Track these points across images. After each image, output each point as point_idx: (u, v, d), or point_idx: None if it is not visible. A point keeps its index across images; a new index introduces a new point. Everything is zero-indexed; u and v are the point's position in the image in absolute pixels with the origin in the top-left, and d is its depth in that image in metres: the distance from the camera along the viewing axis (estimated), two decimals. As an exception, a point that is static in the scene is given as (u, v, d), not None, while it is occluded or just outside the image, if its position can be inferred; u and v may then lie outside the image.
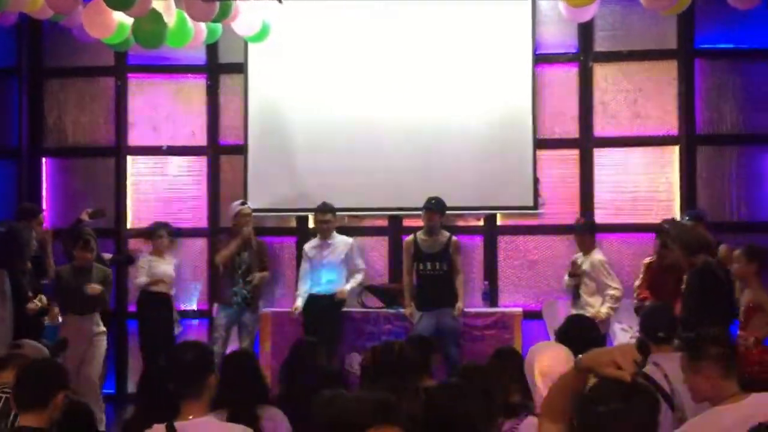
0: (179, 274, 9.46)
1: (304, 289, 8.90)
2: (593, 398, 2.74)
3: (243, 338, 8.84)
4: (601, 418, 2.68)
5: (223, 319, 8.83)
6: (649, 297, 8.12)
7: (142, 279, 9.05)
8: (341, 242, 8.97)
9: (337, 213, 9.00)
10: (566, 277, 8.74)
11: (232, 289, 8.82)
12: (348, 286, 8.88)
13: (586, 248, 8.65)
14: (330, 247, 8.90)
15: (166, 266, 9.15)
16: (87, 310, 8.21)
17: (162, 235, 9.18)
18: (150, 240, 9.27)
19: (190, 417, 3.68)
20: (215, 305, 9.04)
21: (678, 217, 8.76)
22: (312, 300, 8.82)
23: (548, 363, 3.83)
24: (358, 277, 8.99)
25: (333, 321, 8.73)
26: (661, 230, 8.22)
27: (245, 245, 8.89)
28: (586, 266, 8.57)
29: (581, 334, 4.91)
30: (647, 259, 8.48)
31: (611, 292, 8.46)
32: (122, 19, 7.54)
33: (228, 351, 8.65)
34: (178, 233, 9.56)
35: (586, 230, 8.75)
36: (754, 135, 9.30)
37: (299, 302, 8.87)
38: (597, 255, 8.69)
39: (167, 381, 3.84)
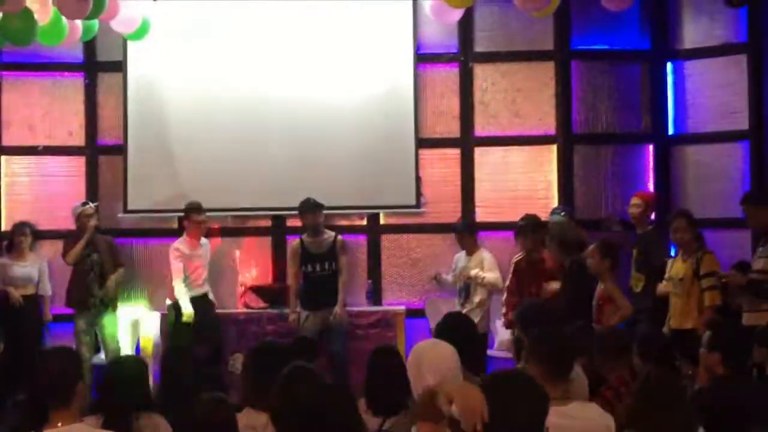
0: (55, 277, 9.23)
1: (184, 292, 8.72)
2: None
3: (107, 342, 8.67)
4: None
5: (84, 324, 8.65)
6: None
7: None
8: (207, 243, 8.99)
9: (220, 213, 8.94)
10: (447, 276, 8.83)
11: (88, 293, 8.65)
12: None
13: (470, 248, 8.75)
14: (202, 248, 8.89)
15: (25, 269, 8.83)
16: None
17: (25, 233, 8.86)
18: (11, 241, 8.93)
19: (59, 425, 3.62)
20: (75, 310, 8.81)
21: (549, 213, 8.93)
22: (192, 303, 8.68)
23: (435, 362, 3.85)
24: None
25: (213, 323, 8.69)
26: (522, 228, 8.40)
27: (93, 246, 8.73)
28: (472, 266, 8.65)
29: (459, 331, 4.99)
30: (516, 257, 8.61)
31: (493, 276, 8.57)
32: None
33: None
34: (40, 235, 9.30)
35: (465, 230, 8.85)
36: (628, 134, 9.59)
37: (190, 308, 8.63)
38: (485, 254, 8.81)
39: (34, 388, 3.78)
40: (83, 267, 8.68)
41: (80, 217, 8.77)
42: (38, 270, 8.93)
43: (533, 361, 4.00)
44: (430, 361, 3.86)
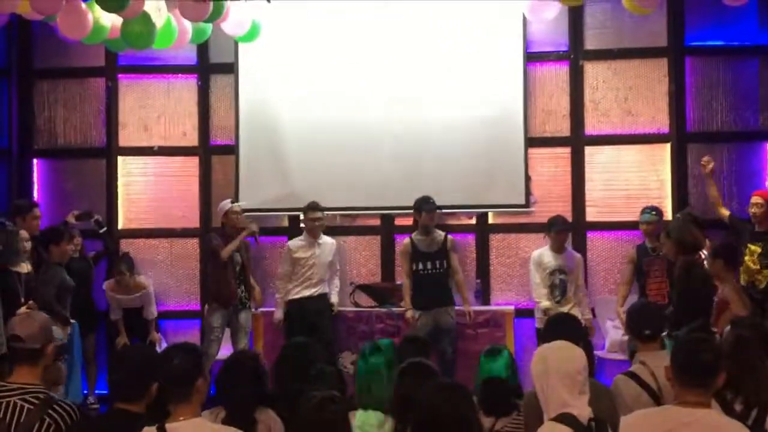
0: (171, 274, 9.46)
1: (285, 294, 8.80)
2: None
3: (240, 339, 8.75)
4: None
5: (219, 319, 8.75)
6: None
7: None
8: (329, 242, 8.95)
9: (329, 212, 8.99)
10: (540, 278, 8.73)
11: (232, 291, 8.74)
12: (335, 298, 8.87)
13: (564, 247, 8.69)
14: (319, 247, 8.85)
15: (131, 299, 9.14)
16: None
17: (122, 271, 9.07)
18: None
19: (181, 418, 3.69)
20: (207, 306, 8.95)
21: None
22: (299, 303, 8.74)
23: (562, 364, 3.80)
24: (337, 282, 8.99)
25: (327, 322, 8.71)
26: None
27: (237, 246, 8.85)
28: (570, 265, 8.60)
29: (566, 333, 4.91)
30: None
31: (586, 298, 8.64)
32: (101, 20, 7.49)
33: (222, 352, 8.69)
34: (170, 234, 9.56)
35: (566, 229, 8.78)
36: (744, 132, 9.34)
37: (280, 313, 8.78)
38: (577, 254, 8.76)
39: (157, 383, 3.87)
40: (229, 265, 8.76)
41: (228, 214, 8.87)
42: (141, 297, 9.11)
43: (672, 366, 3.88)
44: (557, 363, 3.79)
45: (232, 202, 9.02)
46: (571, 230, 8.90)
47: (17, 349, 4.18)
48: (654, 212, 8.64)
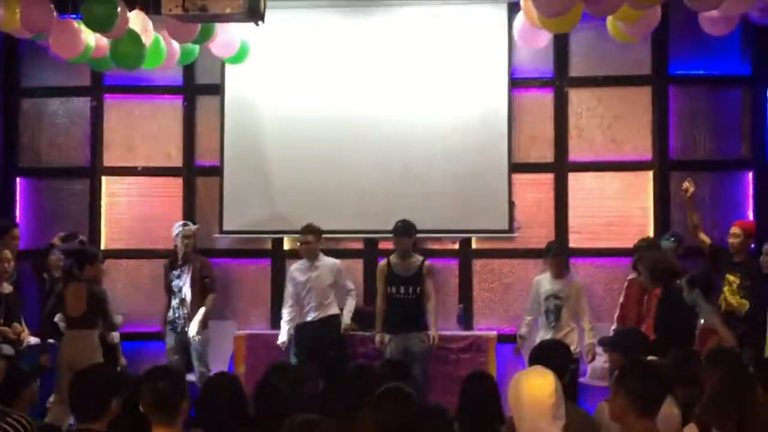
0: (153, 295, 9.44)
1: (290, 318, 8.79)
2: None
3: (197, 362, 8.82)
4: None
5: (172, 342, 8.86)
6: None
7: None
8: (328, 264, 8.88)
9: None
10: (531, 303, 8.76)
11: (174, 313, 8.87)
12: (347, 318, 8.77)
13: (563, 273, 8.70)
14: (317, 269, 8.81)
15: None
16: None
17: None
18: None
19: (162, 440, 3.69)
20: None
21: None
22: (300, 329, 8.73)
23: (535, 391, 3.80)
24: (351, 302, 8.87)
25: (336, 344, 8.65)
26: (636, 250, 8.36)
27: (189, 267, 8.90)
28: (566, 290, 8.61)
29: (553, 359, 4.94)
30: (630, 276, 8.60)
31: (590, 324, 8.57)
32: (91, 39, 7.51)
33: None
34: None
35: (563, 254, 8.80)
36: (727, 161, 9.41)
37: (284, 336, 8.76)
38: (577, 279, 8.79)
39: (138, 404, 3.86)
40: (170, 287, 8.92)
41: (178, 237, 8.94)
42: None
43: (620, 392, 3.87)
44: (528, 388, 3.81)
45: (184, 225, 9.04)
46: (565, 254, 8.89)
47: None
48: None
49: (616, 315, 8.63)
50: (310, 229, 8.78)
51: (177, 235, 8.96)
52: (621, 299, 8.62)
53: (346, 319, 8.78)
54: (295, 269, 8.87)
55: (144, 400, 3.81)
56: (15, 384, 5.01)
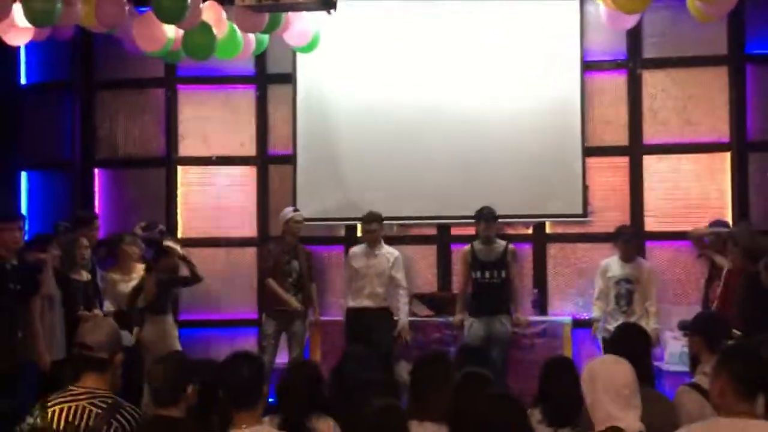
0: (228, 282, 9.56)
1: (346, 300, 8.89)
2: None
3: (293, 348, 8.82)
4: None
5: (272, 327, 8.85)
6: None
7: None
8: (387, 253, 8.90)
9: (385, 222, 8.99)
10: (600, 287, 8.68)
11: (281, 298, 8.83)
12: (403, 316, 8.77)
13: (633, 256, 8.62)
14: (376, 257, 8.83)
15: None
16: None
17: (126, 242, 8.71)
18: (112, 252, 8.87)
19: (243, 426, 3.73)
20: (264, 314, 9.06)
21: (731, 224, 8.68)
22: (353, 313, 8.76)
23: (611, 380, 3.77)
24: (404, 296, 8.85)
25: (387, 333, 8.66)
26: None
27: (294, 253, 8.92)
28: (637, 274, 8.52)
29: (632, 343, 4.90)
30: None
31: (655, 308, 8.49)
32: (171, 32, 7.62)
33: (277, 360, 8.74)
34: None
35: (634, 238, 8.72)
36: (807, 141, 9.20)
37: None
38: (647, 262, 8.69)
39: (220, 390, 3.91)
40: (282, 273, 8.87)
41: (289, 223, 8.95)
42: None
43: (722, 374, 3.80)
44: (606, 379, 3.78)
45: (294, 210, 9.07)
46: (637, 239, 8.81)
47: (86, 357, 4.24)
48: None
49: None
50: (374, 217, 8.81)
51: (289, 220, 8.93)
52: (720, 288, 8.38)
53: (404, 319, 8.76)
54: (354, 254, 8.91)
55: (226, 385, 3.86)
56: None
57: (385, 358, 8.25)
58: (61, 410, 4.08)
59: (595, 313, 8.71)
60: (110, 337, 4.28)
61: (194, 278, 8.61)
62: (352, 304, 8.80)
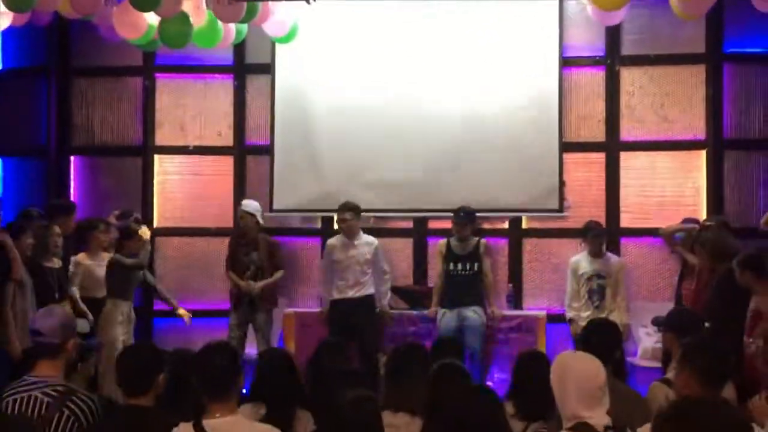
0: (205, 273, 9.55)
1: (325, 292, 8.89)
2: None
3: (258, 340, 8.77)
4: None
5: (235, 319, 8.82)
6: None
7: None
8: (366, 243, 8.89)
9: (361, 214, 8.96)
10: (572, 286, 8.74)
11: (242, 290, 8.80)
12: (385, 300, 8.85)
13: (602, 252, 8.68)
14: (356, 248, 8.82)
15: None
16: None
17: (98, 228, 8.65)
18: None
19: (218, 416, 3.72)
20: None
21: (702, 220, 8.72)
22: (336, 305, 8.76)
23: (580, 376, 3.78)
24: (388, 282, 8.93)
25: (369, 324, 8.67)
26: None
27: (254, 245, 8.87)
28: (608, 269, 8.59)
29: (603, 338, 4.93)
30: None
31: (625, 303, 8.58)
32: (152, 20, 7.58)
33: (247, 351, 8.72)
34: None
35: (603, 233, 8.78)
36: (783, 140, 9.26)
37: (326, 308, 8.86)
38: (617, 258, 8.75)
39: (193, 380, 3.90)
40: (240, 265, 8.84)
41: (242, 215, 8.90)
42: None
43: (686, 368, 3.86)
44: (575, 374, 3.78)
45: (247, 205, 8.98)
46: (606, 234, 8.86)
47: (38, 343, 4.22)
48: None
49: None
50: (348, 207, 8.78)
51: (246, 211, 8.87)
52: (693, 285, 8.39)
53: (384, 302, 8.82)
54: (332, 246, 8.87)
55: (200, 375, 3.85)
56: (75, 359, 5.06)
57: (370, 349, 8.27)
58: (14, 401, 4.07)
59: (570, 314, 8.73)
60: (62, 322, 4.26)
61: (137, 265, 8.41)
62: (336, 296, 8.78)
